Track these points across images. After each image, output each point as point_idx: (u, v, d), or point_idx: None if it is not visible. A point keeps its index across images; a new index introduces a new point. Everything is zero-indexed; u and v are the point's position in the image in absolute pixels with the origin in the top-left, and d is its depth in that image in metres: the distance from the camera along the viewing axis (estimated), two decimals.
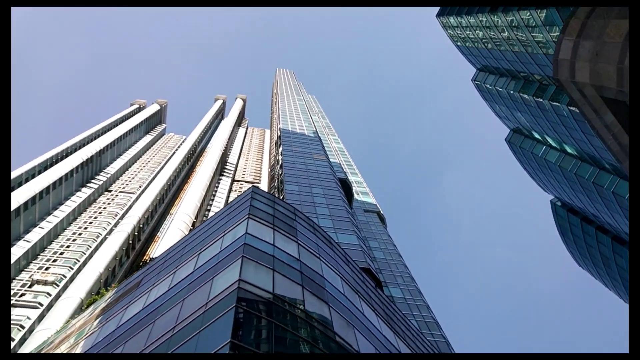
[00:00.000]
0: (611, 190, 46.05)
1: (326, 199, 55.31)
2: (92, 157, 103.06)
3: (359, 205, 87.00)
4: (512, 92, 55.24)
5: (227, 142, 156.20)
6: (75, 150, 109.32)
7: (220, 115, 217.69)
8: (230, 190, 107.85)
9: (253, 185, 33.27)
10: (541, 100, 48.36)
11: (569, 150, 52.47)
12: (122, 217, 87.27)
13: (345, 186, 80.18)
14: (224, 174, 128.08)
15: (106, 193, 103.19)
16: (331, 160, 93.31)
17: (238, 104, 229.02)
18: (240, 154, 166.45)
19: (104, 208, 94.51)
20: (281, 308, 20.65)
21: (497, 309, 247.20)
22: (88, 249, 72.34)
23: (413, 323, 51.03)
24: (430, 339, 47.86)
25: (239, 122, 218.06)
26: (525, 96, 51.77)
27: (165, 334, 20.56)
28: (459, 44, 62.33)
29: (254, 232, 26.41)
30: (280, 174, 64.99)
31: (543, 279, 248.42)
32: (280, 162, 71.88)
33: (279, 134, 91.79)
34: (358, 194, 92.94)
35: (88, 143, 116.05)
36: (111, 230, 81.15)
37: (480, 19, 50.27)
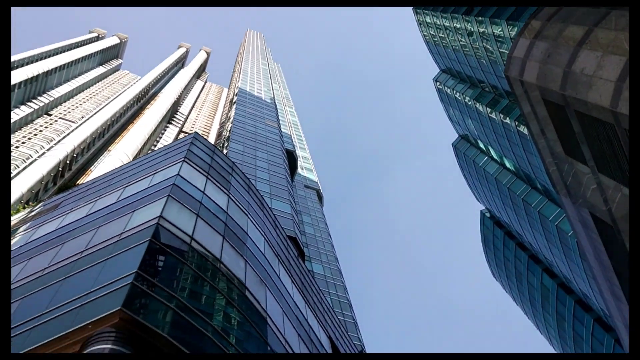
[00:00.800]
0: (537, 210, 48.10)
1: (268, 165, 55.11)
2: (37, 76, 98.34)
3: (301, 180, 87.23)
4: (467, 98, 56.47)
5: (182, 92, 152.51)
6: (22, 66, 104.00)
7: (181, 63, 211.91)
8: (175, 139, 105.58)
9: (196, 133, 32.68)
10: (492, 111, 49.71)
11: (507, 164, 54.33)
12: (57, 144, 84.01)
13: (291, 158, 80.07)
14: (173, 122, 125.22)
15: (45, 116, 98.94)
16: (283, 130, 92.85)
17: (201, 56, 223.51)
18: (193, 107, 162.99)
19: (40, 131, 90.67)
20: (196, 252, 20.52)
21: (410, 308, 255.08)
22: (16, 168, 69.37)
23: (327, 299, 51.98)
24: (341, 317, 48.91)
25: (198, 75, 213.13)
26: (479, 105, 53.08)
27: (72, 256, 20.07)
28: (428, 40, 62.99)
29: (185, 175, 26.04)
30: (228, 131, 64.17)
31: (461, 286, 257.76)
32: (230, 120, 70.92)
33: (235, 92, 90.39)
34: (302, 169, 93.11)
35: (36, 61, 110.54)
36: (43, 155, 78.03)
37: (454, 21, 50.94)
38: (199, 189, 26.04)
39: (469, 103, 56.25)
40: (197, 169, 28.04)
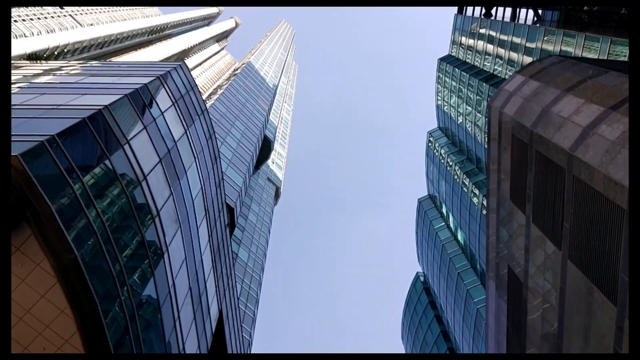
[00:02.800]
0: (467, 289, 48.14)
1: (241, 137, 54.21)
2: None
3: (267, 172, 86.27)
4: (450, 161, 56.75)
5: (196, 46, 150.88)
6: None
7: (207, 22, 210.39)
8: None
9: (184, 63, 31.72)
10: (468, 180, 49.94)
11: (459, 236, 54.49)
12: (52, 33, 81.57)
13: (266, 145, 79.28)
14: None
15: (58, 8, 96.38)
16: (271, 119, 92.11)
17: (228, 23, 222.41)
18: (200, 64, 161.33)
19: (45, 17, 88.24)
20: (126, 157, 19.54)
21: (309, 338, 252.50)
22: None
23: (238, 285, 50.85)
24: (243, 307, 47.79)
25: (218, 39, 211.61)
26: (458, 170, 53.33)
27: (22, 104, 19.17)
28: (439, 93, 63.44)
29: (153, 90, 25.08)
30: (219, 93, 63.18)
31: (369, 339, 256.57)
32: (225, 86, 69.98)
33: (243, 64, 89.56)
34: (273, 162, 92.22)
35: None
36: (33, 36, 75.58)
37: (470, 82, 51.36)
38: (160, 109, 25.10)
39: (450, 165, 56.50)
40: (167, 92, 27.09)
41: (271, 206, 78.13)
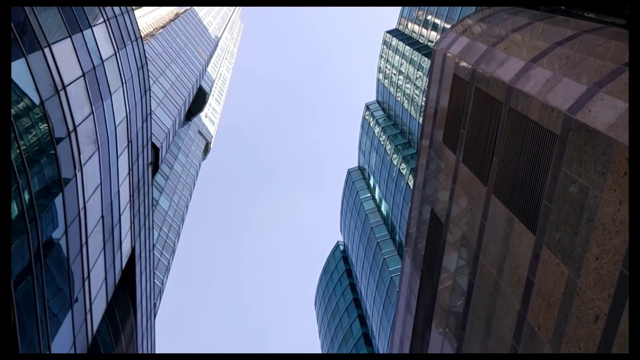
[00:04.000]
0: (384, 257, 49.15)
1: (175, 80, 52.08)
2: None
3: (199, 125, 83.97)
4: (383, 135, 57.29)
5: None
6: None
7: None
8: None
9: None
10: (397, 153, 50.60)
11: (382, 208, 55.41)
12: None
13: (201, 96, 77.03)
14: None
15: None
16: (209, 72, 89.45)
17: None
18: (138, 7, 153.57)
19: None
20: (45, 61, 17.93)
21: (217, 307, 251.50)
22: None
23: (155, 233, 49.38)
24: (158, 254, 46.50)
25: None
26: (389, 143, 53.94)
27: None
28: (380, 67, 63.59)
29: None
30: (157, 32, 60.24)
31: (280, 302, 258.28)
32: (164, 27, 66.86)
33: (186, 10, 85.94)
34: (206, 116, 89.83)
35: None
36: None
37: (413, 55, 51.66)
38: (89, 22, 23.31)
39: (382, 138, 57.03)
40: (100, 8, 25.22)
41: (199, 160, 76.27)
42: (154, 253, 40.26)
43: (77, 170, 19.81)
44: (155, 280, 43.26)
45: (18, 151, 15.70)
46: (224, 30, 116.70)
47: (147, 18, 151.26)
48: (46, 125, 17.81)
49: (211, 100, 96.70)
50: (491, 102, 10.48)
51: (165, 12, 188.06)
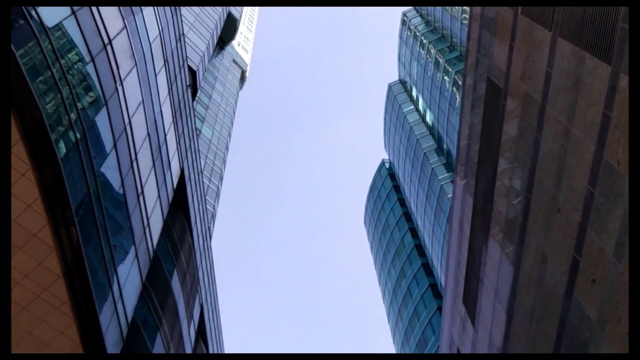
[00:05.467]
0: (432, 167, 48.48)
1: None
2: None
3: (232, 53, 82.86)
4: (424, 38, 55.02)
5: None
6: None
7: None
8: None
9: None
10: (441, 57, 48.65)
11: (428, 118, 54.13)
12: None
13: (231, 23, 75.61)
14: None
15: None
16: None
17: None
18: None
19: None
20: None
21: (268, 229, 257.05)
22: None
23: (201, 161, 49.96)
24: (206, 181, 47.22)
25: None
26: (431, 47, 51.83)
27: None
28: None
29: None
30: None
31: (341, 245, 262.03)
32: None
33: None
34: (239, 44, 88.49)
35: None
36: None
37: None
38: None
39: (423, 45, 54.83)
40: None
41: (236, 88, 75.82)
42: (203, 177, 40.80)
43: (117, 85, 19.63)
44: (207, 206, 44.11)
45: (58, 65, 15.51)
46: None
47: None
48: (81, 37, 17.51)
49: (242, 28, 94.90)
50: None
51: None
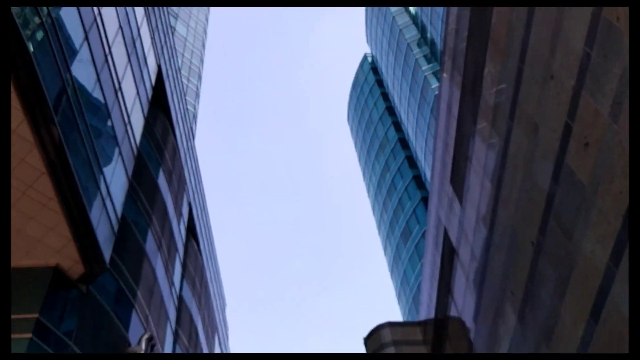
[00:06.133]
0: (416, 58, 47.53)
1: None
2: None
3: None
4: None
5: None
6: None
7: None
8: None
9: None
10: None
11: (411, 8, 52.28)
12: None
13: None
14: None
15: None
16: None
17: None
18: None
19: None
20: None
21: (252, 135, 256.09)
22: None
23: (178, 60, 48.31)
24: (185, 81, 45.94)
25: None
26: None
27: None
28: None
29: None
30: None
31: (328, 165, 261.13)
32: None
33: None
34: None
35: None
36: None
37: None
38: None
39: None
40: None
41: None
42: (181, 74, 39.60)
43: None
44: (187, 106, 43.22)
45: None
46: None
47: None
48: None
49: None
50: None
51: None
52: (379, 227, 63.02)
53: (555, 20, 9.41)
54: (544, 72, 10.02)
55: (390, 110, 59.48)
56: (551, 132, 9.94)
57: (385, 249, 60.74)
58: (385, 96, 61.80)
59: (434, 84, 42.68)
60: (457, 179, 15.62)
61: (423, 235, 44.45)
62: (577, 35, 8.77)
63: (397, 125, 57.02)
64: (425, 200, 47.71)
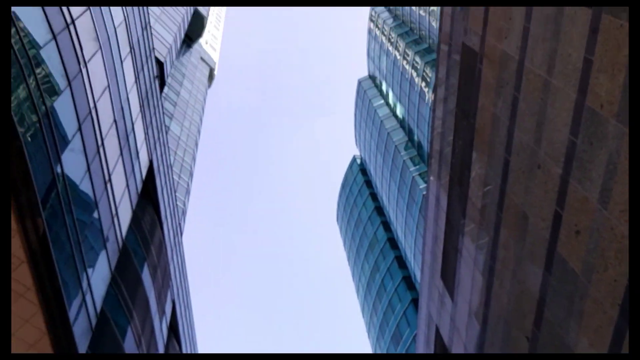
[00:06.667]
0: (404, 159, 48.58)
1: None
2: None
3: (201, 51, 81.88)
4: (392, 33, 55.20)
5: None
6: None
7: None
8: None
9: None
10: (409, 49, 48.83)
11: (398, 112, 54.28)
12: None
13: (199, 24, 74.75)
14: None
15: None
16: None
17: None
18: None
19: None
20: None
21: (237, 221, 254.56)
22: None
23: (170, 157, 49.00)
24: (176, 178, 46.35)
25: None
26: (399, 41, 51.99)
27: None
28: None
29: None
30: None
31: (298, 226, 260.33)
32: None
33: None
34: (207, 43, 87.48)
35: None
36: None
37: None
38: None
39: (392, 37, 55.00)
40: None
41: (205, 86, 74.87)
42: (172, 171, 40.00)
43: (81, 66, 18.94)
44: (177, 202, 43.26)
45: (20, 43, 14.81)
46: None
47: None
48: (43, 15, 16.80)
49: (209, 27, 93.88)
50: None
51: None
52: (368, 330, 61.09)
53: (539, 112, 9.70)
54: (530, 161, 10.16)
55: (379, 210, 59.87)
56: (541, 221, 9.89)
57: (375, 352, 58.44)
58: (374, 197, 62.47)
59: (422, 185, 43.32)
60: (448, 272, 15.34)
61: (414, 339, 43.05)
62: (561, 124, 9.00)
63: (387, 225, 57.11)
64: (415, 301, 46.75)
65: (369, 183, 65.16)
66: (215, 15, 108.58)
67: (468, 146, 12.97)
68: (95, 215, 19.89)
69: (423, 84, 44.99)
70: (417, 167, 46.23)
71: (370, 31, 65.50)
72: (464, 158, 13.80)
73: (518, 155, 10.60)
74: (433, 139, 18.43)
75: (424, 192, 41.09)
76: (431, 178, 19.36)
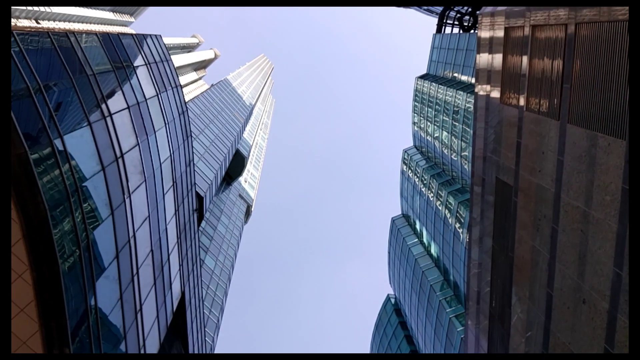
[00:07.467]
0: (439, 300, 46.98)
1: (214, 138, 53.06)
2: None
3: (239, 189, 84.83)
4: (425, 176, 56.42)
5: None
6: None
7: (186, 50, 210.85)
8: None
9: (159, 35, 30.76)
10: (442, 190, 49.47)
11: (432, 250, 53.62)
12: None
13: (239, 160, 78.20)
14: None
15: (33, 21, 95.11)
16: (245, 138, 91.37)
17: (208, 53, 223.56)
18: None
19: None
20: (89, 84, 18.33)
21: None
22: None
23: (202, 291, 48.66)
24: (207, 312, 45.61)
25: (196, 68, 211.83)
26: (432, 181, 52.91)
27: None
28: (416, 112, 63.68)
29: (125, 42, 24.05)
30: (193, 97, 62.23)
31: None
32: (202, 94, 69.11)
33: (220, 81, 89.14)
34: (246, 181, 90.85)
35: None
36: None
37: (443, 96, 51.53)
38: (131, 62, 24.05)
39: (425, 179, 56.10)
40: (140, 51, 26.09)
41: (241, 222, 76.35)
42: (203, 304, 39.48)
43: (125, 197, 19.74)
44: (206, 337, 42.16)
45: (70, 172, 15.71)
46: (257, 100, 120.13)
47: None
48: (95, 151, 17.93)
49: (249, 167, 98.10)
50: (553, 31, 9.94)
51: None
52: None
53: (580, 244, 9.44)
54: (574, 297, 9.68)
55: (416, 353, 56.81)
56: None
57: None
58: (410, 339, 59.68)
59: (459, 327, 41.38)
60: None
61: None
62: (604, 256, 8.69)
63: None
64: None
65: (404, 324, 62.66)
66: (255, 155, 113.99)
67: (507, 282, 12.54)
68: (122, 347, 19.44)
69: (457, 225, 44.89)
70: (454, 308, 44.53)
71: (403, 172, 67.20)
72: (503, 296, 13.28)
73: (561, 290, 10.14)
74: (470, 280, 18.01)
75: (462, 335, 39.13)
76: (469, 322, 18.61)
